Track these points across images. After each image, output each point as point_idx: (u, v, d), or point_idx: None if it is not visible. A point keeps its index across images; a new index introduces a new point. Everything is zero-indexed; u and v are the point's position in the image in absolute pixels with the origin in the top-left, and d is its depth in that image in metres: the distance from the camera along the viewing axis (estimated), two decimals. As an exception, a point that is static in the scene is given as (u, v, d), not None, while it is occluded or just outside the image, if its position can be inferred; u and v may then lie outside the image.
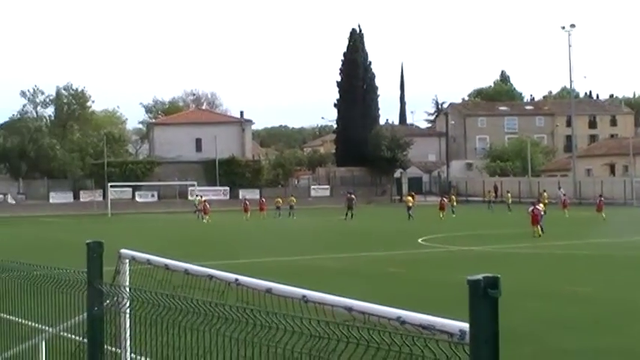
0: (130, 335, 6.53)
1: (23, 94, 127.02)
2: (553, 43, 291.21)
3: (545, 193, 76.99)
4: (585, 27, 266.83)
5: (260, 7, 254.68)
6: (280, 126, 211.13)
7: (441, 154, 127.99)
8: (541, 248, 37.90)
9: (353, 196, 73.26)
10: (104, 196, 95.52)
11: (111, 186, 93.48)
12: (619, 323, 18.58)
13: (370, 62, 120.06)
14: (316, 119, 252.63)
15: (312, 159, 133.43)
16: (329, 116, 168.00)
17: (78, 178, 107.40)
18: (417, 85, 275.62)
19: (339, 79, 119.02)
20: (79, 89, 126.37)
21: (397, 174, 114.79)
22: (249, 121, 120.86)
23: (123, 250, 6.81)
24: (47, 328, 8.21)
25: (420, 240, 43.07)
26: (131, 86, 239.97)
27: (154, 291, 5.76)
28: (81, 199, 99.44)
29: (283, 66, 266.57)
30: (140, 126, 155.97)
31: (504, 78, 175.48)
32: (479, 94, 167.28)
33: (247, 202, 76.48)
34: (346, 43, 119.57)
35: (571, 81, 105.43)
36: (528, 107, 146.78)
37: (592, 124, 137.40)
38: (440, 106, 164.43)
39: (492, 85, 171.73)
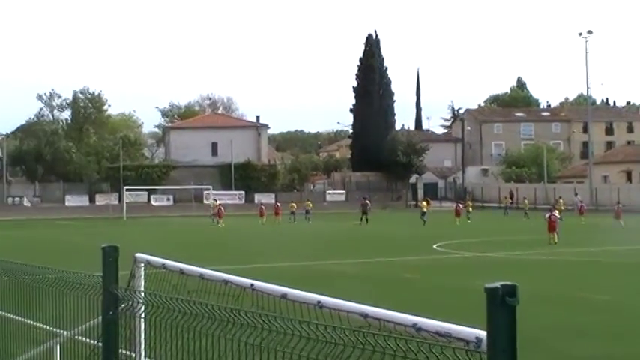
0: (145, 339, 6.53)
1: (40, 97, 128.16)
2: (570, 50, 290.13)
3: (560, 200, 76.73)
4: (602, 34, 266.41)
5: (277, 12, 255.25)
6: (296, 131, 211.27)
7: (457, 159, 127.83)
8: (557, 255, 37.75)
9: (368, 201, 73.25)
10: (120, 199, 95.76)
11: (126, 189, 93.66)
12: (634, 331, 18.47)
13: (386, 67, 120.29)
14: (332, 124, 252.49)
15: (327, 164, 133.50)
16: (345, 121, 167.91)
17: (94, 181, 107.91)
18: (433, 91, 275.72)
19: (355, 84, 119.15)
20: (96, 93, 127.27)
21: (413, 179, 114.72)
22: (265, 126, 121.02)
23: (138, 254, 6.81)
24: (62, 331, 8.21)
25: (435, 246, 42.97)
26: (147, 90, 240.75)
27: (169, 295, 5.75)
28: (96, 203, 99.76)
29: (299, 71, 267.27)
30: (156, 130, 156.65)
31: (521, 84, 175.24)
32: (495, 100, 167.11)
33: (263, 207, 76.57)
34: (362, 48, 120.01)
35: (588, 87, 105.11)
36: (545, 113, 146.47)
37: (609, 131, 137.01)
38: (456, 112, 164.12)
39: (509, 91, 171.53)
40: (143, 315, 6.28)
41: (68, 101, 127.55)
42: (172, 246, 40.79)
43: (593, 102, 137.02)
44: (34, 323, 8.96)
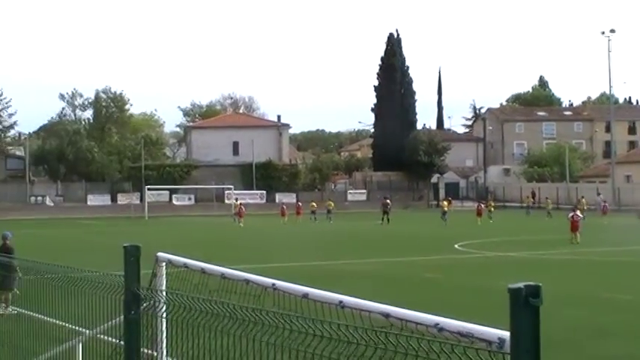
0: (166, 338, 6.54)
1: (62, 97, 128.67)
2: (592, 49, 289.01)
3: (583, 200, 76.36)
4: (625, 32, 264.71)
5: (298, 11, 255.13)
6: (317, 130, 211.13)
7: (479, 159, 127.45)
8: (579, 255, 37.60)
9: (388, 200, 73.18)
10: (141, 198, 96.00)
11: (148, 189, 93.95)
12: (659, 332, 18.35)
13: (408, 67, 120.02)
14: (353, 123, 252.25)
15: (349, 163, 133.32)
16: (366, 120, 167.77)
17: (116, 180, 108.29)
18: (454, 90, 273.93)
19: (376, 83, 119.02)
20: (118, 92, 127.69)
21: (434, 179, 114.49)
22: (287, 125, 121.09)
23: (160, 254, 6.81)
24: (84, 330, 8.24)
25: (456, 245, 42.89)
26: (169, 90, 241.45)
27: (191, 295, 5.75)
28: (118, 202, 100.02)
29: (320, 70, 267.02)
30: (178, 129, 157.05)
31: (543, 83, 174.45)
32: (517, 99, 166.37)
33: (285, 206, 76.65)
34: (384, 47, 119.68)
35: (610, 86, 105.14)
36: (567, 113, 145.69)
37: (631, 130, 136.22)
38: (477, 111, 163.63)
39: (531, 90, 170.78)
40: (165, 314, 6.28)
41: (90, 101, 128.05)
42: (194, 245, 40.92)
43: (616, 101, 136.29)
44: (57, 322, 9.00)
